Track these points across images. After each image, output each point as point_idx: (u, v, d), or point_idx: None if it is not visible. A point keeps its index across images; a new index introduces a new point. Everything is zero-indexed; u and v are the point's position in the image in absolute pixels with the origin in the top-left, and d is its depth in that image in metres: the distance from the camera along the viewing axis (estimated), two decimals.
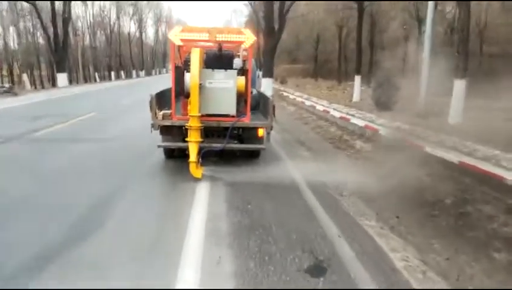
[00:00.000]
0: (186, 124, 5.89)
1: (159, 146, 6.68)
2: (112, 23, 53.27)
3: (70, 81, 43.52)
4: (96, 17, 52.23)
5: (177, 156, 6.92)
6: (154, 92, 6.46)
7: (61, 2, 30.83)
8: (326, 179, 6.18)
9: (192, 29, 6.26)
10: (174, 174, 6.46)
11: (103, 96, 22.81)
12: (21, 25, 40.00)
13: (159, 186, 5.97)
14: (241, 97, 6.42)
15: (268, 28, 22.27)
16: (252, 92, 6.98)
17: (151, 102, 6.36)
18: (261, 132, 6.55)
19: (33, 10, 30.88)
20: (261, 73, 20.93)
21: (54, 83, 32.70)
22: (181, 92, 6.33)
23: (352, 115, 11.27)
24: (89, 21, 50.72)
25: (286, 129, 11.29)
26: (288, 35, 37.42)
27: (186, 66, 6.58)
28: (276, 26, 22.15)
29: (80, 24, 49.36)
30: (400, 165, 6.33)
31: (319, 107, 14.02)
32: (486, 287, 3.47)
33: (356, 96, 14.51)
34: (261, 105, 7.83)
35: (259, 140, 6.69)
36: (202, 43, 6.92)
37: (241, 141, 6.68)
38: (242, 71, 6.74)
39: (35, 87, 41.41)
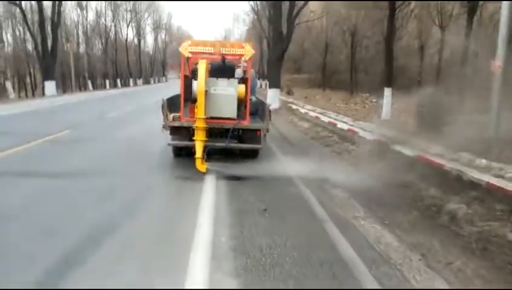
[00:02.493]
0: (193, 125, 6.72)
1: (169, 144, 7.49)
2: (108, 29, 51.03)
3: (64, 90, 41.45)
4: (92, 23, 50.06)
5: (184, 155, 7.59)
6: (164, 98, 7.57)
7: (50, 5, 28.59)
8: None
9: (199, 43, 7.42)
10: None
11: (90, 107, 20.42)
12: (10, 28, 37.86)
13: None
14: (241, 102, 7.28)
15: (275, 33, 20.06)
16: (251, 99, 7.94)
17: (162, 106, 7.43)
18: (258, 133, 7.48)
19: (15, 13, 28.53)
20: (264, 82, 18.67)
21: (42, 91, 30.20)
22: (188, 97, 7.03)
23: (390, 138, 8.84)
24: (84, 27, 48.54)
25: (303, 152, 8.97)
26: (293, 44, 35.27)
27: (193, 74, 7.30)
28: (284, 32, 19.94)
29: (74, 30, 47.12)
30: None
31: (342, 125, 11.59)
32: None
33: (386, 113, 12.10)
34: (259, 110, 8.56)
35: (257, 140, 7.52)
36: (207, 55, 7.57)
37: (241, 141, 7.47)
38: (242, 80, 7.54)
39: (25, 95, 39.15)
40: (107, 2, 49.50)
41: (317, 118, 14.51)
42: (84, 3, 46.14)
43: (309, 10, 34.97)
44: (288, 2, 20.66)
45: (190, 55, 7.47)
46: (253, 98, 8.63)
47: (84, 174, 6.51)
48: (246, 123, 7.37)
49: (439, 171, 6.54)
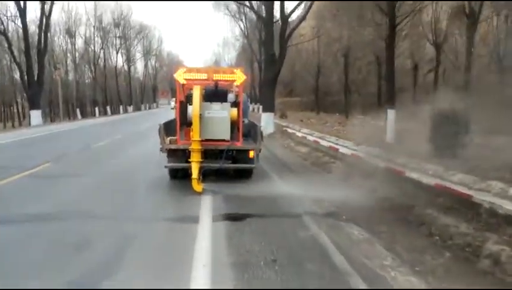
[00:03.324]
0: (189, 147, 7.02)
1: (166, 166, 7.70)
2: (97, 56, 50.43)
3: (52, 119, 40.44)
4: (81, 50, 49.48)
5: (180, 177, 7.82)
6: (161, 122, 7.82)
7: (37, 33, 27.94)
8: None
9: (193, 70, 7.83)
10: None
11: (77, 136, 19.50)
12: None
13: None
14: (234, 125, 7.59)
15: (268, 56, 19.53)
16: (243, 121, 8.31)
17: (159, 130, 7.68)
18: (251, 154, 7.75)
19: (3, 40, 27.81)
20: (256, 106, 18.08)
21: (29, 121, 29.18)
22: (184, 121, 7.48)
23: (402, 165, 8.08)
24: (73, 54, 47.89)
25: (306, 180, 8.19)
26: (284, 67, 34.76)
27: (188, 100, 7.64)
28: (276, 54, 19.42)
29: (63, 57, 46.47)
30: None
31: (344, 151, 10.80)
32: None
33: (390, 135, 11.38)
34: (251, 132, 8.77)
35: (250, 161, 7.78)
36: (201, 81, 7.79)
37: (235, 162, 7.73)
38: (235, 104, 7.91)
39: (12, 125, 38.08)
40: (95, 29, 49.12)
41: (316, 142, 13.74)
42: (73, 30, 45.69)
43: (299, 34, 34.91)
44: (280, 23, 20.27)
45: (185, 82, 7.85)
46: (246, 121, 8.94)
47: (57, 218, 5.56)
48: (239, 144, 7.74)
49: (466, 203, 5.74)
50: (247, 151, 7.75)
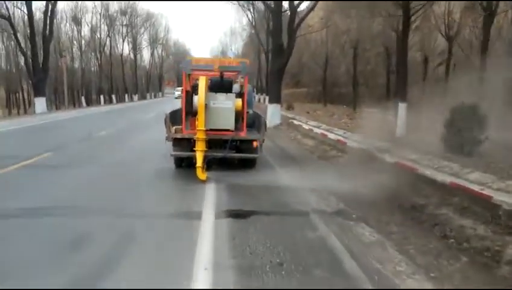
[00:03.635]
0: (194, 137, 7.19)
1: (171, 155, 7.82)
2: (103, 44, 50.11)
3: (57, 106, 40.28)
4: (86, 38, 49.17)
5: (184, 166, 7.95)
6: (168, 112, 8.15)
7: (42, 20, 27.62)
8: None
9: (199, 61, 8.18)
10: None
11: (81, 124, 19.30)
12: (1, 42, 36.82)
13: None
14: (238, 115, 7.73)
15: (276, 46, 19.10)
16: (248, 112, 8.26)
17: (165, 119, 7.98)
18: (255, 144, 7.84)
19: (8, 26, 27.52)
20: (262, 96, 17.82)
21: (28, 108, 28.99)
22: (190, 111, 7.52)
23: (415, 161, 7.76)
24: (79, 41, 47.63)
25: (312, 174, 7.90)
26: (291, 57, 34.24)
27: (194, 90, 7.66)
28: (285, 44, 18.98)
29: (69, 45, 46.20)
30: None
31: (353, 144, 10.51)
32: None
33: (401, 130, 10.99)
34: (255, 123, 8.78)
35: (254, 150, 7.89)
36: (207, 72, 7.92)
37: (239, 151, 7.80)
38: (239, 94, 7.97)
39: (17, 112, 38.01)
40: (101, 16, 48.75)
41: (323, 135, 13.42)
42: (79, 17, 45.37)
43: (307, 24, 34.28)
44: (288, 13, 19.81)
45: (191, 72, 8.03)
46: (250, 111, 8.94)
47: (51, 214, 5.28)
48: (243, 134, 7.84)
49: (483, 203, 5.42)
50: (251, 141, 7.89)
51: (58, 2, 28.72)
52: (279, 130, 17.32)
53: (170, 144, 7.89)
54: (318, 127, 15.33)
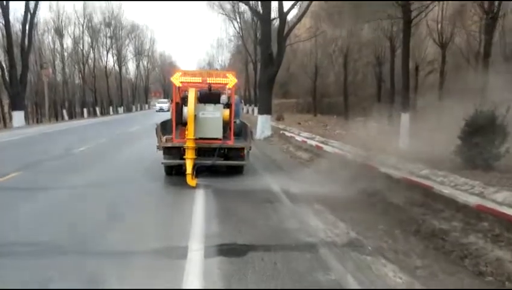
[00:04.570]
0: (184, 145, 7.57)
1: (162, 163, 8.28)
2: (86, 55, 48.79)
3: (38, 120, 38.81)
4: (69, 50, 47.82)
5: (174, 174, 8.44)
6: (158, 122, 8.69)
7: (21, 30, 26.46)
8: None
9: (188, 74, 8.51)
10: None
11: (59, 139, 18.10)
12: None
13: None
14: (226, 125, 8.23)
15: (265, 55, 18.34)
16: (235, 122, 8.93)
17: (156, 129, 8.44)
18: (242, 152, 8.36)
19: None
20: (251, 107, 17.07)
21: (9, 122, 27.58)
22: (179, 121, 8.02)
23: (427, 177, 6.94)
24: (61, 53, 46.25)
25: (312, 195, 6.92)
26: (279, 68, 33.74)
27: (183, 101, 8.19)
28: (274, 53, 18.22)
29: (51, 57, 44.82)
30: None
31: (353, 158, 9.67)
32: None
33: (404, 141, 10.22)
34: (242, 131, 9.19)
35: (241, 158, 8.41)
36: (196, 84, 8.35)
37: (227, 159, 8.38)
38: (227, 105, 8.45)
39: None
40: (84, 27, 47.58)
41: (318, 147, 12.60)
42: (61, 29, 44.17)
43: (294, 34, 33.79)
44: (277, 22, 19.16)
45: (181, 85, 8.33)
46: (238, 121, 9.34)
47: (5, 255, 4.31)
48: (231, 143, 8.26)
49: None
50: (238, 149, 8.33)
51: (41, 13, 27.59)
52: (271, 143, 16.49)
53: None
54: (312, 139, 14.51)
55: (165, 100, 55.70)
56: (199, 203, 6.48)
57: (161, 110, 49.46)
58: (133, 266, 3.92)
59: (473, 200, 5.53)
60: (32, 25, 27.46)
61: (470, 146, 6.75)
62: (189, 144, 7.44)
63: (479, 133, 6.61)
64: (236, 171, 8.70)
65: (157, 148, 8.20)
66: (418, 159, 8.43)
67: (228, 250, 4.33)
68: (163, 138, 8.30)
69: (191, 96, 7.54)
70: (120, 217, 5.72)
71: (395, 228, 5.71)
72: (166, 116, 10.85)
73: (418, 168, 7.65)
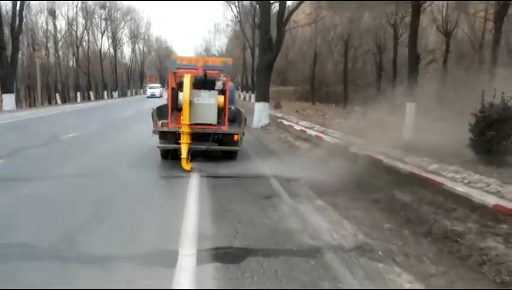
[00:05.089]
0: (179, 130, 7.76)
1: (158, 147, 8.44)
2: (80, 38, 47.69)
3: (30, 104, 38.01)
4: (63, 32, 46.69)
5: (169, 158, 8.49)
6: (155, 107, 8.80)
7: (10, 9, 25.59)
8: None
9: (184, 59, 8.81)
10: None
11: (49, 124, 17.52)
12: None
13: None
14: (221, 111, 8.33)
15: (263, 40, 17.69)
16: (230, 108, 8.98)
17: (152, 114, 8.55)
18: (236, 137, 8.58)
19: None
20: (248, 94, 16.64)
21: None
22: (175, 106, 8.22)
23: (436, 173, 6.50)
24: (55, 36, 45.16)
25: (314, 190, 6.42)
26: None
27: (179, 87, 8.25)
28: (273, 38, 17.58)
29: (44, 39, 43.75)
30: None
31: (356, 150, 9.21)
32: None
33: (409, 133, 9.73)
34: (236, 118, 9.27)
35: (235, 143, 8.63)
36: (192, 70, 8.35)
37: (221, 144, 8.54)
38: (222, 92, 8.52)
39: None
40: (78, 8, 46.40)
41: (318, 137, 12.14)
42: (56, 10, 43.04)
43: (292, 20, 33.00)
44: (276, 6, 18.49)
45: (177, 70, 8.45)
46: (232, 107, 9.44)
47: None
48: (225, 128, 8.41)
49: None
50: (232, 134, 8.53)
51: None
52: (268, 131, 15.96)
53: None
54: (311, 128, 14.04)
55: (157, 85, 53.49)
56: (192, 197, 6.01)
57: (152, 96, 47.64)
58: (114, 276, 3.43)
59: (489, 200, 5.10)
60: (23, 4, 26.49)
61: (483, 140, 6.28)
62: (184, 129, 7.63)
63: (494, 126, 6.13)
64: (230, 156, 8.86)
65: (153, 132, 8.43)
66: (424, 152, 7.98)
67: (225, 255, 3.87)
68: (159, 123, 8.40)
69: (187, 82, 7.70)
70: (104, 212, 5.23)
71: (403, 227, 5.27)
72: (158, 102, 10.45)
73: (426, 162, 7.22)
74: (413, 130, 9.73)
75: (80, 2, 46.18)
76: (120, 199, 5.92)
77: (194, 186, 6.59)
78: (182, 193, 6.16)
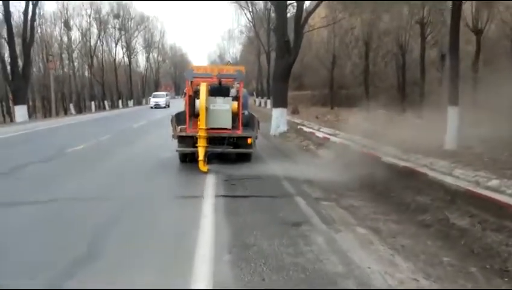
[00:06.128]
0: (197, 134, 8.33)
1: (177, 150, 9.08)
2: (93, 48, 47.60)
3: (45, 114, 37.89)
4: (77, 42, 46.69)
5: (188, 161, 9.14)
6: (173, 114, 9.52)
7: (22, 21, 25.21)
8: None
9: (200, 69, 9.68)
10: None
11: (59, 135, 16.88)
12: None
13: None
14: (235, 116, 8.90)
15: (280, 44, 16.71)
16: (244, 113, 9.55)
17: (172, 120, 9.33)
18: (249, 140, 9.12)
19: None
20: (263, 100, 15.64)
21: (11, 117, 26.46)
22: (192, 113, 8.83)
23: (502, 192, 5.37)
24: (69, 46, 45.15)
25: (345, 208, 5.33)
26: None
27: (196, 94, 8.82)
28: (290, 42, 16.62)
29: (58, 50, 43.78)
30: None
31: (392, 160, 8.13)
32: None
33: (452, 141, 8.54)
34: (250, 122, 9.83)
35: (249, 146, 9.16)
36: (207, 78, 9.07)
37: (236, 147, 9.06)
38: (236, 98, 9.11)
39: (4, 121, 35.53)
40: (91, 19, 46.37)
41: (343, 145, 11.05)
42: (66, 19, 43.04)
43: (308, 23, 31.99)
44: (291, 10, 17.57)
45: (193, 79, 9.20)
46: (246, 112, 9.94)
47: None
48: (239, 132, 8.92)
49: None
50: (246, 138, 9.04)
51: (49, 6, 26.36)
52: (287, 139, 14.90)
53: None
54: (335, 135, 12.97)
55: (163, 93, 46.19)
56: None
57: (157, 106, 40.69)
58: None
59: None
60: (34, 15, 26.15)
61: None
62: (201, 133, 8.18)
63: None
64: (245, 158, 9.32)
65: (172, 137, 9.01)
66: (476, 163, 6.84)
67: None
68: (178, 128, 8.99)
69: (203, 90, 8.24)
70: (98, 249, 4.26)
71: (468, 262, 4.18)
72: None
73: (483, 177, 6.07)
74: (457, 137, 8.54)
75: (93, 12, 46.11)
76: (120, 235, 4.85)
77: (208, 212, 5.57)
78: (195, 222, 5.17)
